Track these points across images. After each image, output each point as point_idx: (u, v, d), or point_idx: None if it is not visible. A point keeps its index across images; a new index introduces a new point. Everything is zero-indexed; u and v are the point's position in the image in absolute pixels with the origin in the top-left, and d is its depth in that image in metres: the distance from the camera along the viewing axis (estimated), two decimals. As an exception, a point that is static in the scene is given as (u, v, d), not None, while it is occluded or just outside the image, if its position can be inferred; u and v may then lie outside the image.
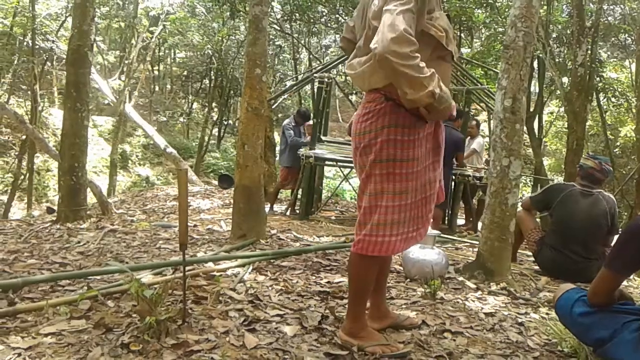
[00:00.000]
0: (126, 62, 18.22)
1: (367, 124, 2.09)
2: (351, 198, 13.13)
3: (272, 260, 3.64)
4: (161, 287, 2.48)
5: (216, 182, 12.71)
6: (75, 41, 5.77)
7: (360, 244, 2.12)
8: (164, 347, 2.02)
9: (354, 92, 20.82)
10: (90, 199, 8.51)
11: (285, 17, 18.37)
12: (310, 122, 7.34)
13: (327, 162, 7.32)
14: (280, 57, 22.19)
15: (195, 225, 5.23)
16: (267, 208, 7.41)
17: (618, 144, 17.57)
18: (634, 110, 14.92)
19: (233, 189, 4.79)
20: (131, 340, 2.04)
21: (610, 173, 4.13)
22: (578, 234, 3.89)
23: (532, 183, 14.23)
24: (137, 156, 19.30)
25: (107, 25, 21.49)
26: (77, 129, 5.76)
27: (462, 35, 17.34)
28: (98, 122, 19.54)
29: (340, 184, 10.67)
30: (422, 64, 1.87)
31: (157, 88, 25.77)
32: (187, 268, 3.20)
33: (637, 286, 4.10)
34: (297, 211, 7.11)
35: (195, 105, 24.52)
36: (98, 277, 3.08)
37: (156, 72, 25.22)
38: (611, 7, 16.02)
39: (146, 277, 3.05)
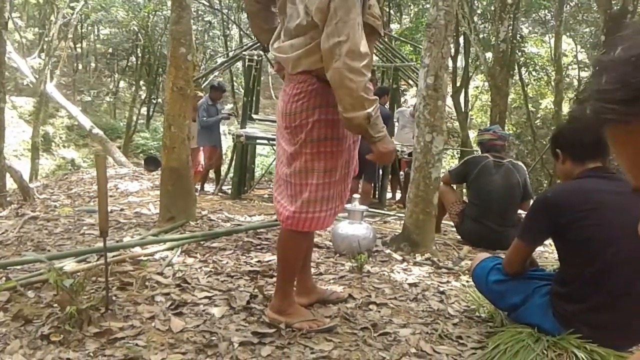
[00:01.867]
0: (46, 39, 17.25)
1: (298, 104, 2.11)
2: (286, 175, 13.18)
3: (202, 242, 3.61)
4: (83, 275, 2.43)
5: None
6: (-17, 18, 5.41)
7: (290, 220, 2.15)
8: (86, 336, 1.99)
9: (286, 68, 20.68)
10: (11, 184, 8.11)
11: (214, -8, 17.93)
12: None
13: (258, 141, 7.28)
14: (210, 34, 21.64)
15: (122, 209, 5.09)
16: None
17: (539, 115, 18.45)
18: (553, 84, 15.68)
19: (160, 170, 4.69)
20: (52, 331, 2.00)
21: (507, 136, 4.43)
22: (494, 204, 4.11)
23: (459, 155, 14.74)
24: (60, 138, 18.46)
25: (24, 1, 20.20)
26: (-9, 111, 5.44)
27: (391, 11, 17.56)
28: (17, 103, 18.47)
29: (273, 161, 10.64)
30: (370, 85, 1.94)
31: (80, 66, 24.58)
32: (113, 254, 3.14)
33: (552, 251, 4.37)
34: (229, 191, 7.05)
35: (122, 83, 23.60)
36: (18, 267, 2.97)
37: (79, 50, 24.01)
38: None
39: (69, 265, 2.96)
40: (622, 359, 1.94)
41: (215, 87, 7.52)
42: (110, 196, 7.09)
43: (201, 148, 7.53)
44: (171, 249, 3.40)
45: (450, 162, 17.25)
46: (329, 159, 2.12)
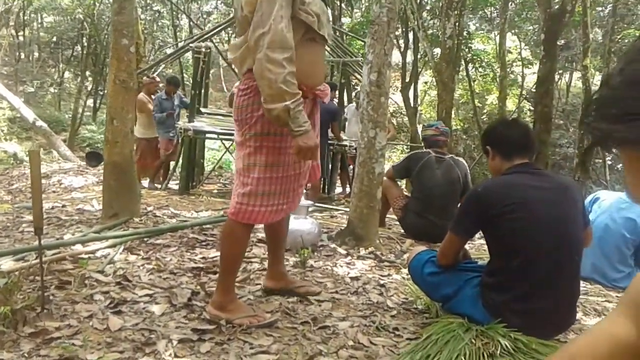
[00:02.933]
0: (-16, 27, 16.51)
1: (244, 98, 2.17)
2: (237, 169, 13.08)
3: (145, 239, 3.58)
4: (18, 274, 2.38)
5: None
6: None
7: (232, 210, 2.22)
8: (21, 336, 1.96)
9: (237, 61, 20.49)
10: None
11: (162, -18, 17.58)
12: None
13: (207, 135, 7.22)
14: (159, 24, 21.22)
15: (64, 206, 4.97)
16: (146, 183, 7.22)
17: (485, 111, 18.98)
18: (498, 80, 16.14)
19: (102, 165, 4.60)
20: (-16, 332, 1.95)
21: (448, 132, 4.60)
22: (436, 199, 4.25)
23: (408, 150, 15.00)
24: (2, 131, 17.71)
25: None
26: None
27: (342, 5, 17.64)
28: (-48, 93, 17.57)
29: (222, 155, 10.58)
30: (292, 79, 1.98)
31: (22, 56, 23.59)
32: (52, 252, 3.08)
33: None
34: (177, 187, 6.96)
35: (67, 74, 22.81)
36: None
37: (21, 38, 23.04)
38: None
39: (6, 264, 2.89)
40: (544, 346, 2.06)
41: (169, 81, 7.47)
42: (53, 192, 6.91)
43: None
44: (113, 246, 3.36)
45: (400, 156, 17.55)
46: (270, 154, 2.16)
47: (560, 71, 19.34)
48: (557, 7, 8.31)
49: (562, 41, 15.77)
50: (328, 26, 2.26)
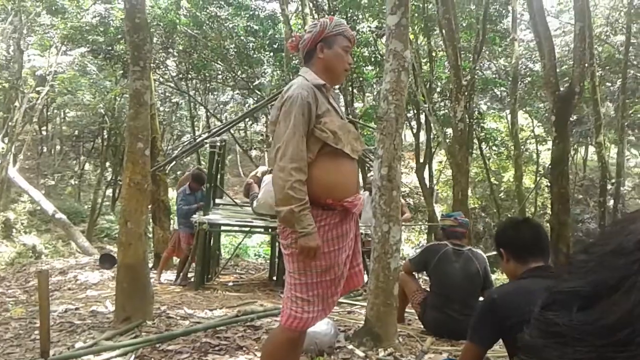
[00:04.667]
0: (10, 124, 17.18)
1: None
2: (255, 255, 12.99)
3: (157, 345, 3.49)
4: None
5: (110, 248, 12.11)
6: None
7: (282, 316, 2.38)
8: None
9: (253, 147, 20.97)
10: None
11: (181, 76, 18.32)
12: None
13: (222, 228, 7.21)
14: (178, 114, 21.95)
15: (77, 308, 4.91)
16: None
17: (502, 188, 18.90)
18: (513, 158, 16.18)
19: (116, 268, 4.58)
20: None
21: (467, 223, 4.50)
22: (456, 293, 4.10)
23: (426, 230, 14.87)
24: (22, 224, 17.98)
25: (-13, 85, 20.28)
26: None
27: (354, 91, 18.16)
28: (-23, 190, 18.07)
29: (240, 242, 10.54)
30: (300, 186, 2.21)
31: (45, 149, 24.41)
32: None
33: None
34: (192, 279, 6.87)
35: (87, 166, 23.44)
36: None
37: (44, 133, 23.94)
38: (487, 63, 17.55)
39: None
40: None
41: (195, 178, 7.46)
42: (69, 289, 6.87)
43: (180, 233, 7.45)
44: (124, 354, 3.26)
45: (418, 237, 17.37)
46: (301, 261, 2.30)
47: (575, 146, 19.41)
48: (565, 88, 8.42)
49: (575, 117, 15.94)
50: (354, 143, 2.44)
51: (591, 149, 19.45)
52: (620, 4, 17.06)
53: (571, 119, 13.90)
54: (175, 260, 7.98)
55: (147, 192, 4.40)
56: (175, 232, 7.61)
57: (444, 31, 10.60)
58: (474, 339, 2.21)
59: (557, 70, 12.11)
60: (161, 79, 18.27)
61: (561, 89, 8.52)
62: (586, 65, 9.44)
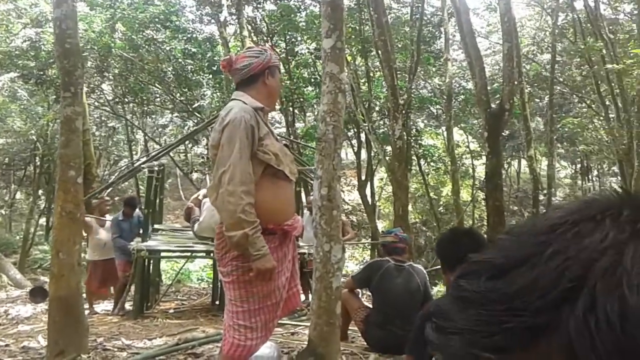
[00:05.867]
0: None
1: (219, 242, 2.39)
2: (198, 280, 12.70)
3: (92, 381, 3.34)
4: None
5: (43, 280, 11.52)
6: None
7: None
8: None
9: (194, 170, 20.65)
10: None
11: (117, 99, 17.90)
12: None
13: (162, 255, 7.04)
14: (114, 139, 21.36)
15: (7, 345, 4.65)
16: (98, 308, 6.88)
17: (441, 202, 19.39)
18: (450, 173, 16.67)
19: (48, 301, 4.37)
20: None
21: (407, 239, 4.61)
22: (397, 309, 4.16)
23: (370, 247, 15.04)
24: (-55, 260, 16.91)
25: None
26: None
27: (295, 111, 18.28)
28: None
29: (181, 267, 10.31)
30: (250, 209, 2.19)
31: (-28, 179, 23.15)
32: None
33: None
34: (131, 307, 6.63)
35: (19, 194, 22.38)
36: None
37: (-30, 162, 22.71)
38: (422, 82, 18.07)
39: None
40: None
41: (127, 203, 7.32)
42: (-1, 325, 6.50)
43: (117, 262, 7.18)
44: (57, 392, 3.11)
45: (362, 254, 17.53)
46: (243, 288, 2.30)
47: (509, 160, 20.22)
48: (496, 106, 8.78)
49: (507, 132, 16.63)
50: (291, 166, 2.50)
51: (524, 162, 20.30)
52: (545, 25, 18.05)
53: (503, 134, 14.49)
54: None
55: (80, 222, 4.25)
56: (89, 263, 7.24)
57: (380, 52, 10.85)
58: (412, 351, 2.25)
59: (489, 88, 12.63)
60: (96, 103, 17.80)
61: (492, 106, 8.87)
62: (515, 82, 9.87)
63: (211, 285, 8.34)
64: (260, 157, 2.32)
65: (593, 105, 16.06)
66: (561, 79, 17.21)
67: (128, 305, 6.84)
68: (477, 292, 0.45)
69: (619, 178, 15.64)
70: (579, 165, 24.08)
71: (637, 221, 0.41)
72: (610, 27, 13.54)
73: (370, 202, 15.88)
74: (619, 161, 12.11)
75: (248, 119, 2.28)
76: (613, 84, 11.98)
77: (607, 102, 13.52)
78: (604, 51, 11.96)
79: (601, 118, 15.03)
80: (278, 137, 2.58)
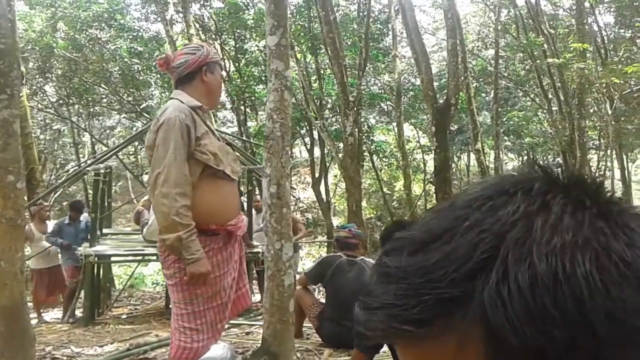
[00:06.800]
0: None
1: (162, 244, 2.31)
2: (153, 284, 12.48)
3: (39, 391, 3.24)
4: None
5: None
6: None
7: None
8: None
9: (144, 172, 20.22)
10: None
11: (62, 101, 17.35)
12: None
13: (112, 259, 6.89)
14: (60, 142, 20.67)
15: (-53, 360, 4.44)
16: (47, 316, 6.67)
17: (394, 197, 19.67)
18: (402, 168, 16.93)
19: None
20: None
21: (360, 234, 4.66)
22: (350, 304, 4.19)
23: (326, 245, 15.10)
24: None
25: None
26: None
27: (247, 110, 18.16)
28: None
29: (133, 272, 10.09)
30: (185, 212, 2.14)
31: None
32: None
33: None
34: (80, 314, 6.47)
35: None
36: None
37: None
38: (372, 79, 18.26)
39: None
40: None
41: (72, 207, 7.22)
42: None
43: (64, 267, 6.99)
44: (1, 406, 3.00)
45: (319, 251, 17.60)
46: (186, 290, 2.26)
47: (459, 153, 20.68)
48: (442, 101, 8.97)
49: (456, 126, 17.00)
50: (233, 164, 2.43)
51: (472, 155, 20.82)
52: (489, 21, 18.52)
53: (452, 128, 14.82)
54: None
55: (22, 228, 4.10)
56: (32, 271, 7.06)
57: (329, 50, 10.90)
58: (360, 346, 2.29)
59: (437, 83, 12.92)
60: (39, 106, 17.19)
61: (440, 101, 9.06)
62: (461, 78, 10.13)
63: (165, 289, 8.20)
64: (197, 157, 2.28)
65: (537, 99, 16.64)
66: (505, 74, 17.72)
67: (78, 312, 6.67)
68: (398, 267, 0.46)
69: (563, 169, 16.23)
70: (525, 157, 24.86)
71: (547, 193, 0.43)
72: (551, 23, 14.03)
73: (325, 199, 15.95)
74: (562, 152, 12.56)
75: (183, 118, 2.23)
76: (554, 78, 12.42)
77: (550, 95, 14.01)
78: (545, 46, 12.38)
79: (544, 111, 15.59)
80: (220, 137, 2.52)
